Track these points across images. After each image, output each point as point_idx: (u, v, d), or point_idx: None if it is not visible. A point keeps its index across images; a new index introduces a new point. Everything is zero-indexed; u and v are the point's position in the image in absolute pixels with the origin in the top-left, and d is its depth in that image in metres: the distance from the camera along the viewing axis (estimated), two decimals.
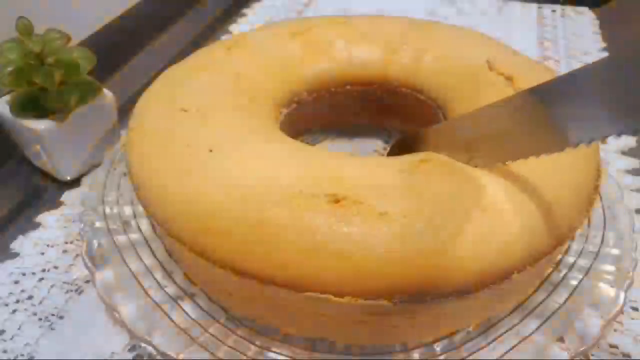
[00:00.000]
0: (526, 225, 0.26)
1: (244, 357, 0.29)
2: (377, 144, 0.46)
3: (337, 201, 0.26)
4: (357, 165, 0.28)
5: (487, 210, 0.26)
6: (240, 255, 0.26)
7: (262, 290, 0.27)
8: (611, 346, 0.32)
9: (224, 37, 0.61)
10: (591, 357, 0.31)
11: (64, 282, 0.36)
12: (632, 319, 0.33)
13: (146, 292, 0.32)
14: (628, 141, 0.48)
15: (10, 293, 0.35)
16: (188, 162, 0.29)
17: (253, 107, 0.34)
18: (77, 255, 0.38)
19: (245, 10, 0.71)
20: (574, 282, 0.32)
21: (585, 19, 0.67)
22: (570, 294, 0.31)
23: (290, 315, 0.28)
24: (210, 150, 0.29)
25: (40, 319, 0.34)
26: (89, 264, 0.32)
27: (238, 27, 0.67)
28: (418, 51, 0.39)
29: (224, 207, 0.26)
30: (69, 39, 0.39)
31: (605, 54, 0.60)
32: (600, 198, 0.37)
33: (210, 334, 0.30)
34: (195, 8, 0.72)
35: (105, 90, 0.43)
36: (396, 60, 0.40)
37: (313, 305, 0.27)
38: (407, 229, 0.25)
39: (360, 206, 0.25)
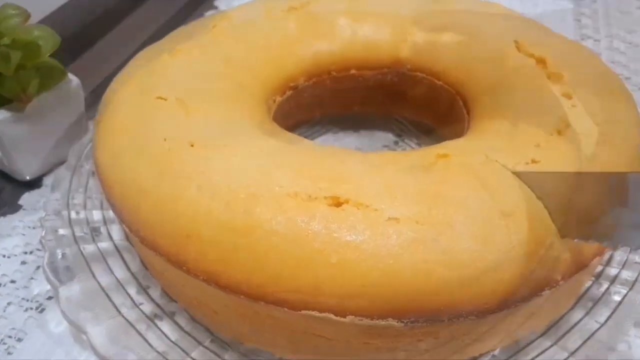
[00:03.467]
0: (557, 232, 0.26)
1: None
2: (387, 137, 0.46)
3: (338, 204, 0.26)
4: (362, 162, 0.28)
5: (511, 216, 0.26)
6: (227, 266, 0.26)
7: (251, 307, 0.27)
8: None
9: (208, 14, 0.61)
10: None
11: (23, 299, 0.36)
12: None
13: (118, 311, 0.32)
14: None
15: None
16: (166, 158, 0.29)
17: (242, 95, 0.34)
18: (37, 268, 0.38)
19: None
20: (617, 298, 0.32)
21: None
22: (613, 312, 0.31)
23: (283, 336, 0.28)
24: (192, 145, 0.29)
25: None
26: (52, 278, 0.33)
27: (225, 2, 0.67)
28: (434, 30, 0.40)
29: (208, 211, 0.27)
30: (28, 16, 0.39)
31: None
32: None
33: (193, 359, 0.30)
34: None
35: (71, 76, 0.43)
36: (409, 40, 0.40)
37: (310, 326, 0.27)
38: (420, 236, 0.25)
39: (365, 210, 0.26)
